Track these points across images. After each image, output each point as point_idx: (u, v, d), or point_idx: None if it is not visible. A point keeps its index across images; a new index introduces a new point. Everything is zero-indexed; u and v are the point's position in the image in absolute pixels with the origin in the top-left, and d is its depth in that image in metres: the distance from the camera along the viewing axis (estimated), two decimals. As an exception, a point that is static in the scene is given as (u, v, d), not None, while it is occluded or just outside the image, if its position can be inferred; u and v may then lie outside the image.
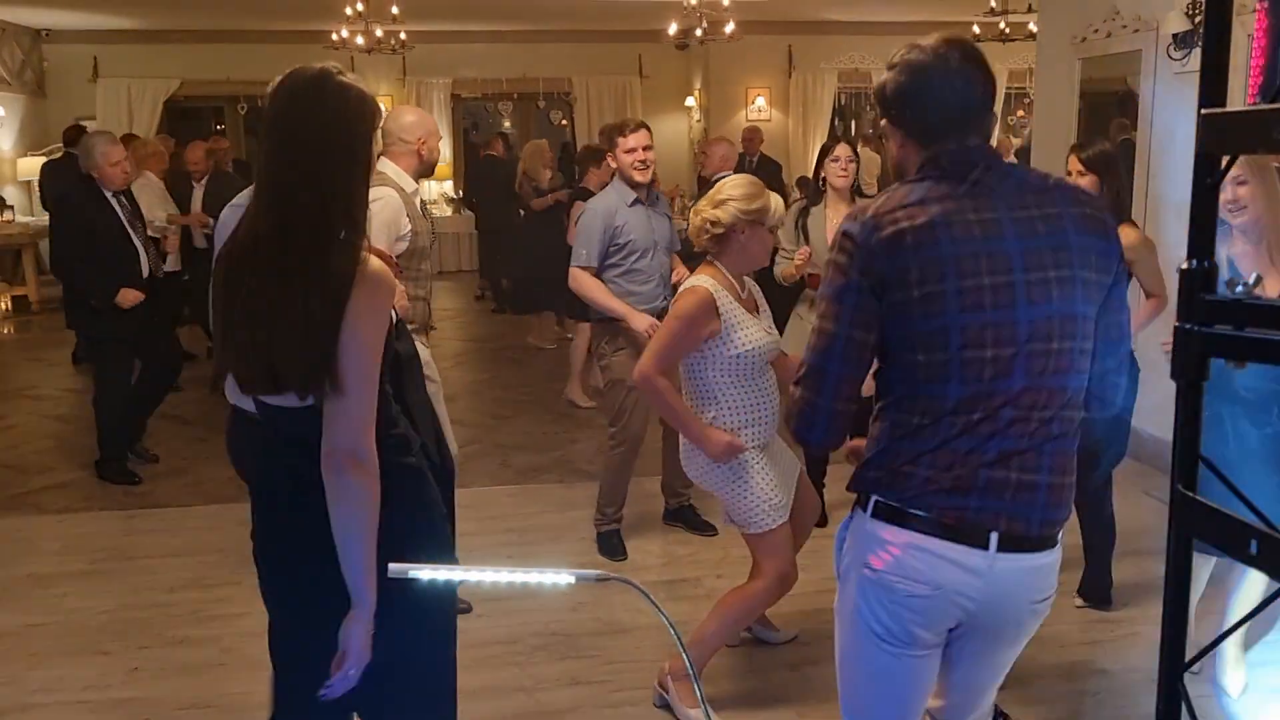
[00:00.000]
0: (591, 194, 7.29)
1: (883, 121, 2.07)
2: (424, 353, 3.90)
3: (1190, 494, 1.02)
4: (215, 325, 1.99)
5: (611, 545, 4.72)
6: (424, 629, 2.02)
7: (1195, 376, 1.00)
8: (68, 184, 6.23)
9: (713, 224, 3.22)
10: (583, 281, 4.57)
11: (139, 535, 5.03)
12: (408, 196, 3.81)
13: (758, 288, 3.51)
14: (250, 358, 1.91)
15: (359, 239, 1.89)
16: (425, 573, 1.56)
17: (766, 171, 10.10)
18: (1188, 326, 0.98)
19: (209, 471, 5.77)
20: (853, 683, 2.15)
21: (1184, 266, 1.00)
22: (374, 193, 3.69)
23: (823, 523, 4.82)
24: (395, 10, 9.94)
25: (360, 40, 10.28)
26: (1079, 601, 4.03)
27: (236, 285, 1.91)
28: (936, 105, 1.95)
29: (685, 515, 4.96)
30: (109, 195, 5.55)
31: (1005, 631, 2.06)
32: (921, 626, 1.99)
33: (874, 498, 1.98)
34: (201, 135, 11.74)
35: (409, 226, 3.78)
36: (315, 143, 1.87)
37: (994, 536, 1.91)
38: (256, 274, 1.88)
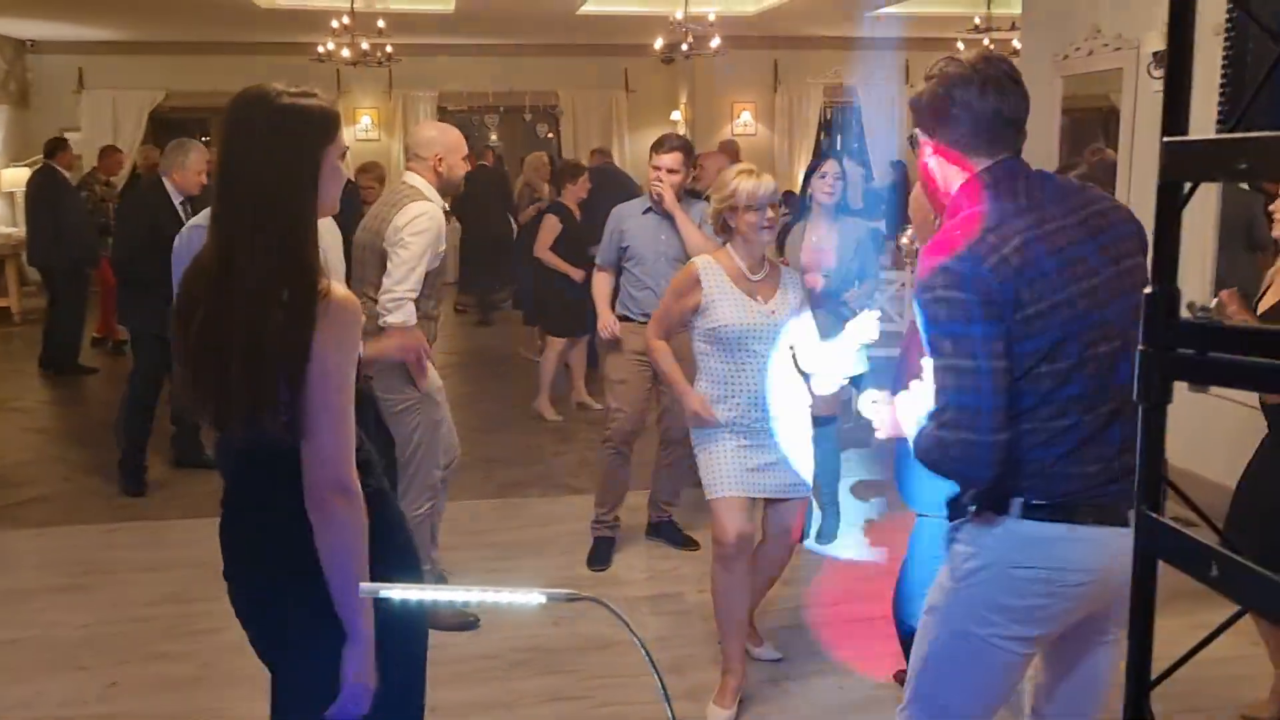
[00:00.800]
0: (566, 209, 7.34)
1: (915, 130, 2.14)
2: (430, 368, 3.92)
3: (1154, 515, 1.03)
4: (176, 353, 1.95)
5: (599, 553, 4.76)
6: (393, 650, 2.00)
7: (1159, 399, 1.01)
8: (145, 186, 6.40)
9: (711, 218, 3.54)
10: (594, 278, 5.01)
11: (118, 549, 5.00)
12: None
13: (793, 275, 3.61)
14: (203, 390, 1.88)
15: (307, 269, 1.83)
16: (395, 593, 1.55)
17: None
18: (1151, 350, 0.99)
19: (189, 485, 5.74)
20: (950, 682, 2.19)
21: (1148, 290, 1.01)
22: (418, 206, 3.74)
23: (800, 537, 4.85)
24: (381, 24, 9.96)
25: (346, 53, 10.28)
26: None
27: (190, 315, 1.89)
28: (969, 117, 2.01)
29: (665, 530, 4.97)
30: (177, 202, 5.73)
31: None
32: (1065, 616, 2.08)
33: (1019, 500, 2.03)
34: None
35: (445, 242, 3.86)
36: (255, 168, 1.83)
37: (1131, 514, 1.95)
38: (208, 304, 1.85)
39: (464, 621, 4.01)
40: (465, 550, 4.77)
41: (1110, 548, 2.00)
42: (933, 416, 1.99)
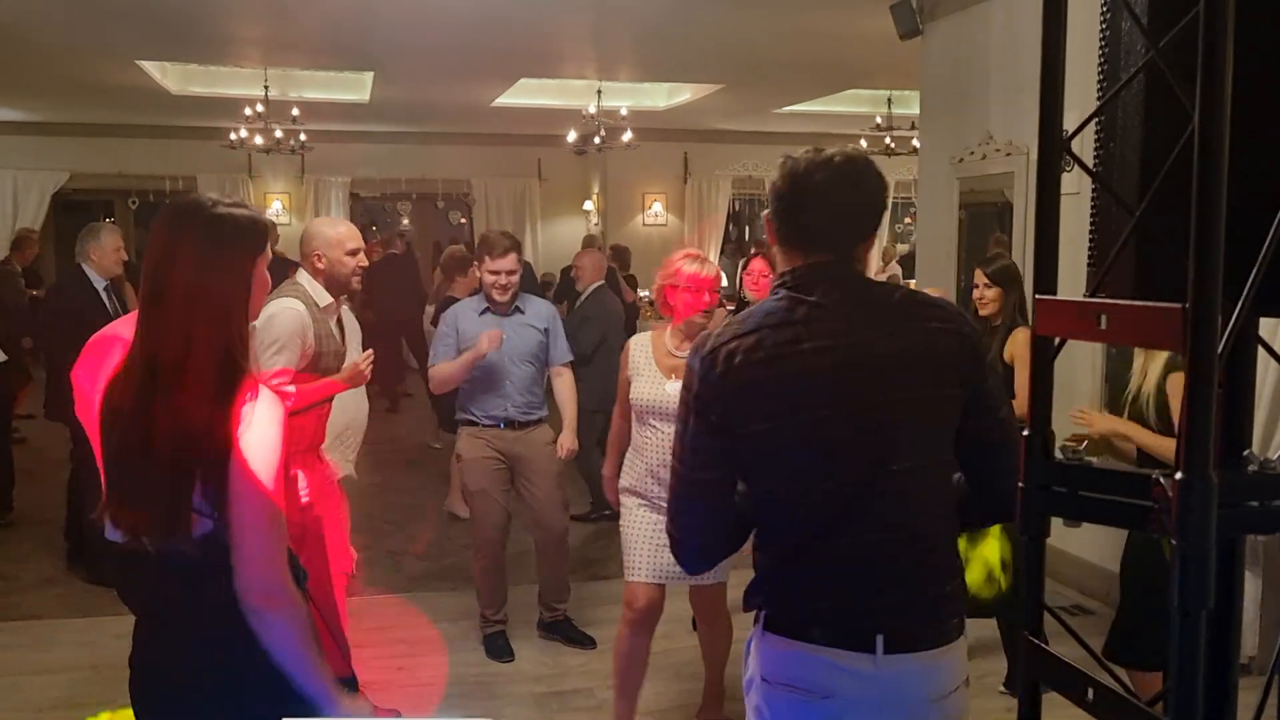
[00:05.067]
0: (457, 301, 7.34)
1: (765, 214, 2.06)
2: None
3: (1037, 641, 1.10)
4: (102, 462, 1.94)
5: (497, 647, 4.73)
6: None
7: (1036, 532, 1.08)
8: (64, 274, 6.18)
9: (655, 295, 3.76)
10: (434, 372, 4.62)
11: (5, 651, 4.79)
12: (318, 311, 3.64)
13: None
14: (122, 497, 1.87)
15: (236, 370, 1.86)
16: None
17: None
18: (1029, 488, 1.07)
19: (81, 582, 5.54)
20: None
21: (1026, 433, 1.09)
22: (274, 304, 3.50)
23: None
24: (296, 112, 9.97)
25: (259, 140, 10.25)
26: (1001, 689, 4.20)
27: (113, 422, 1.89)
28: (803, 215, 1.94)
29: (562, 629, 4.93)
30: (99, 287, 5.60)
31: None
32: None
33: (764, 613, 1.99)
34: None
35: (312, 345, 3.58)
36: (187, 278, 1.85)
37: (879, 639, 1.88)
38: (132, 409, 1.85)
39: None
40: (374, 647, 4.66)
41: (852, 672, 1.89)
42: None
